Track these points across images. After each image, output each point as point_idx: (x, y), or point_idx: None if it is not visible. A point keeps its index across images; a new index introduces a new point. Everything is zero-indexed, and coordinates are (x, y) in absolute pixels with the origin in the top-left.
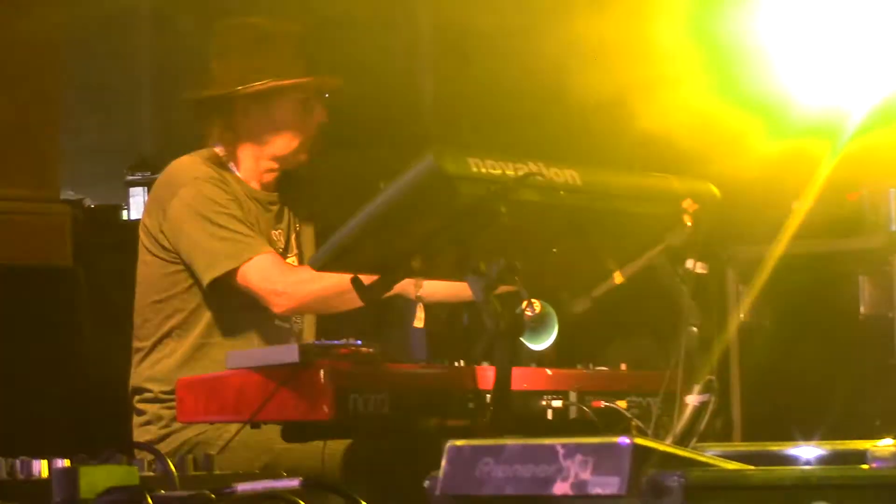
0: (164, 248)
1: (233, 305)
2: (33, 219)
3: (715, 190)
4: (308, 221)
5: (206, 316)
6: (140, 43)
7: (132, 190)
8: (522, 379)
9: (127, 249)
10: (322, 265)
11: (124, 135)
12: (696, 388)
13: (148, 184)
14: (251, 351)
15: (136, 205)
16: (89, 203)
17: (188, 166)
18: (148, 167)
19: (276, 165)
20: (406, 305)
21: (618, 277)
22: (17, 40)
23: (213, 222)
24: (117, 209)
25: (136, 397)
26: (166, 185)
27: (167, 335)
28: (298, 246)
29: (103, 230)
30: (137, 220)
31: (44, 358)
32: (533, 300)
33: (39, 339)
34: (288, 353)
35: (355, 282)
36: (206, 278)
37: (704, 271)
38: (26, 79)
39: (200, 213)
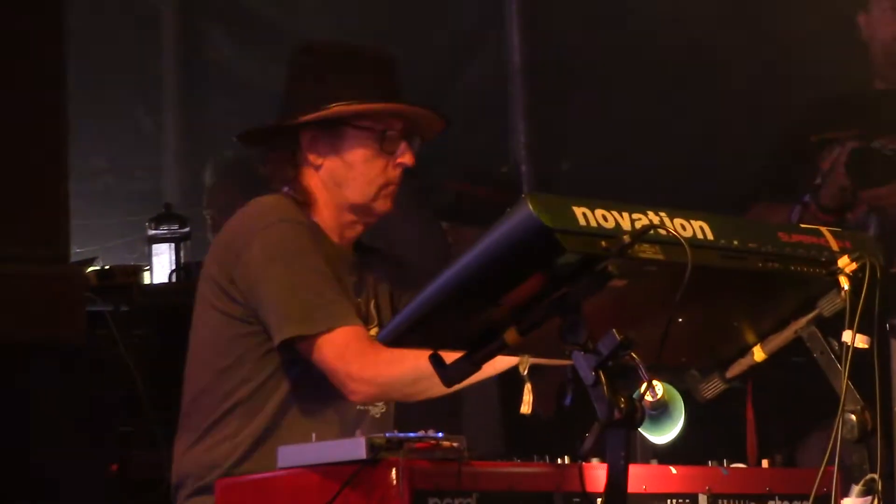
0: (234, 300)
1: (315, 378)
2: (36, 284)
3: (877, 244)
4: (384, 284)
5: (282, 389)
6: (164, 60)
7: (155, 247)
8: (641, 479)
9: (150, 320)
10: (392, 340)
11: (146, 179)
12: (856, 489)
13: (175, 239)
14: (308, 445)
15: (161, 265)
16: (103, 264)
17: (274, 206)
18: (174, 219)
19: (356, 218)
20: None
21: (758, 353)
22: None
23: (298, 275)
24: (138, 270)
25: (185, 490)
26: (245, 226)
27: (230, 411)
28: (378, 316)
29: (121, 296)
30: (160, 285)
31: (57, 452)
32: (654, 382)
33: (50, 425)
34: (353, 448)
35: (434, 360)
36: (277, 338)
37: (866, 346)
38: (27, 108)
39: (284, 262)
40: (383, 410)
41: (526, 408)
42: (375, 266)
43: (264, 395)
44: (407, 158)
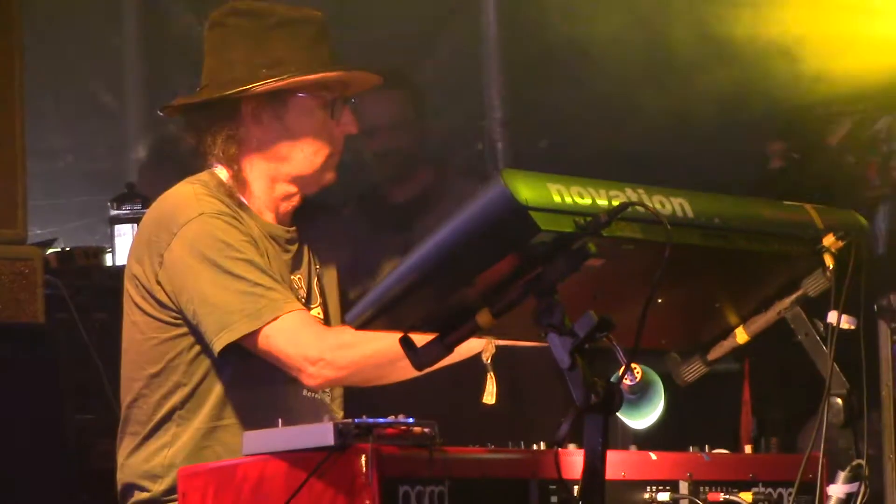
0: (160, 304)
1: (251, 376)
2: None
3: (864, 222)
4: (330, 260)
5: (217, 391)
6: (125, 34)
7: (118, 228)
8: (620, 465)
9: (112, 303)
10: (363, 322)
11: (107, 157)
12: (842, 475)
13: (138, 220)
14: (273, 431)
15: (123, 246)
16: (63, 245)
17: (189, 198)
18: (138, 198)
19: (295, 189)
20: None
21: (741, 335)
22: None
23: (227, 271)
24: (99, 252)
25: (130, 499)
26: (162, 223)
27: (167, 418)
28: (321, 293)
29: (82, 279)
30: (121, 267)
31: (15, 439)
32: (633, 365)
33: (8, 416)
34: (320, 434)
35: (405, 342)
36: (219, 343)
37: (851, 326)
38: None
39: (210, 259)
40: (334, 396)
41: (489, 398)
42: (319, 234)
43: (198, 399)
44: (352, 126)
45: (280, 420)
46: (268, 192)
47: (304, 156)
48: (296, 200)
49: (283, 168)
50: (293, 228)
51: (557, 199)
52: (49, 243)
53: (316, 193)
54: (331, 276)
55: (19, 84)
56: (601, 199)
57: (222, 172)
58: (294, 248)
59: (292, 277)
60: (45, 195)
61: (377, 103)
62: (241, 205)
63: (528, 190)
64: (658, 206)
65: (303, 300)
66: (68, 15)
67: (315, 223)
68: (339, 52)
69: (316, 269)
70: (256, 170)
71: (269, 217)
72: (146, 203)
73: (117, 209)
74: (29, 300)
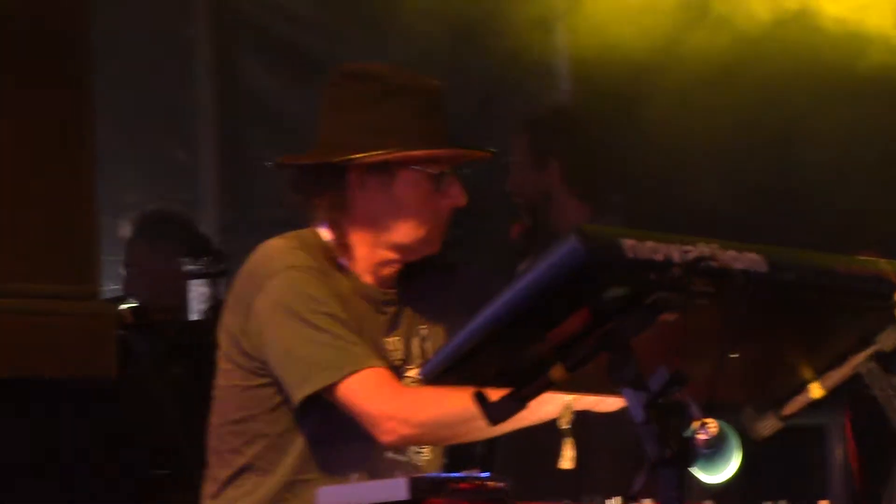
0: (246, 354)
1: (333, 432)
2: (66, 321)
3: None
4: (440, 320)
5: (298, 444)
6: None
7: (192, 283)
8: None
9: (186, 358)
10: (435, 377)
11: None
12: None
13: (211, 275)
14: (348, 486)
15: (197, 301)
16: (135, 301)
17: (280, 251)
18: (211, 255)
19: (396, 256)
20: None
21: (816, 390)
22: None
23: (310, 323)
24: (174, 308)
25: None
26: (252, 276)
27: (247, 468)
28: (424, 354)
29: (156, 334)
30: (197, 322)
31: (91, 496)
32: (707, 420)
33: (84, 470)
34: (394, 489)
35: (479, 397)
36: (299, 395)
37: None
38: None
39: (294, 312)
40: (427, 458)
41: (567, 463)
42: (425, 295)
43: (279, 451)
44: (459, 199)
45: (356, 476)
46: (368, 257)
47: (408, 227)
48: (397, 266)
49: (385, 236)
50: (392, 290)
51: (630, 253)
52: (123, 299)
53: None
54: (439, 337)
55: (91, 141)
56: (675, 253)
57: (325, 233)
58: (392, 309)
59: (387, 339)
60: (119, 251)
61: None
62: (340, 266)
63: (600, 244)
64: (731, 261)
65: (399, 362)
66: (142, 71)
67: (427, 281)
68: (450, 125)
69: (420, 329)
70: (359, 235)
71: (369, 279)
72: (220, 259)
73: (192, 265)
74: (102, 356)
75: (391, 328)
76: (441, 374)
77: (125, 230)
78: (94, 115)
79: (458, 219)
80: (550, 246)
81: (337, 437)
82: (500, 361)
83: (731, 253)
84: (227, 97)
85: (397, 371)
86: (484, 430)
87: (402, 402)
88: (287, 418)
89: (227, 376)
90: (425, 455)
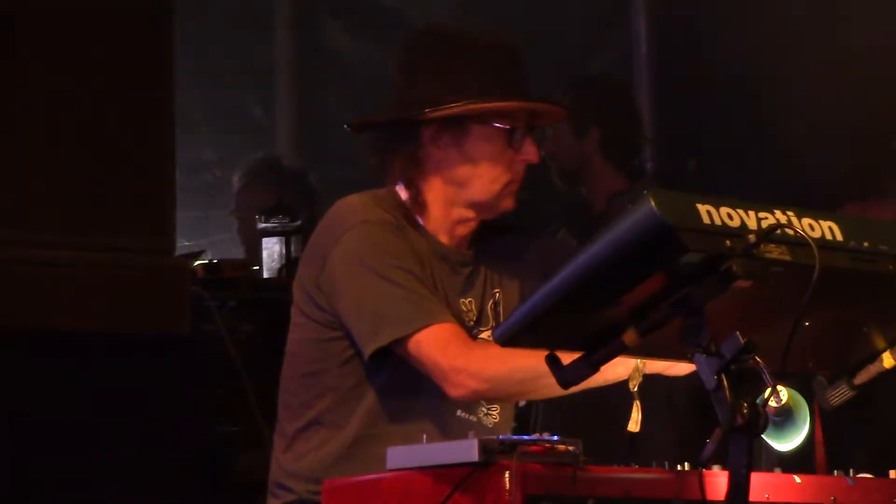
0: (319, 307)
1: (403, 387)
2: (142, 275)
3: None
4: (514, 285)
5: (369, 399)
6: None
7: (265, 241)
8: (764, 488)
9: (258, 316)
10: (508, 339)
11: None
12: None
13: (286, 233)
14: (417, 446)
15: (270, 259)
16: (211, 257)
17: (357, 207)
18: (285, 212)
19: (472, 214)
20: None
21: (888, 360)
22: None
23: (384, 277)
24: (247, 265)
25: (275, 499)
26: (328, 230)
27: (316, 421)
28: (497, 317)
29: (229, 291)
30: (269, 279)
31: (159, 449)
32: (779, 388)
33: (154, 425)
34: (464, 451)
35: (551, 360)
36: (370, 347)
37: None
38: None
39: (368, 265)
40: (496, 420)
41: (634, 426)
42: (500, 258)
43: (349, 406)
44: (532, 155)
45: (425, 436)
46: (444, 215)
47: (482, 183)
48: (472, 225)
49: (460, 193)
50: (468, 252)
51: (706, 219)
52: (197, 255)
53: (507, 215)
54: (512, 299)
55: (170, 97)
56: (750, 220)
57: (401, 192)
58: (467, 270)
59: (462, 300)
60: (194, 207)
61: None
62: (416, 224)
63: (676, 210)
64: (807, 229)
65: (472, 322)
66: (220, 29)
67: (503, 245)
68: (530, 82)
69: (494, 292)
70: (434, 192)
71: (445, 238)
72: (294, 216)
73: (265, 222)
74: (175, 311)
75: (465, 289)
76: (514, 337)
77: (235, 180)
78: (174, 72)
79: (528, 182)
80: (625, 210)
81: (407, 393)
82: (572, 325)
83: (807, 220)
84: (306, 56)
85: (469, 332)
86: (553, 387)
87: (473, 357)
88: (358, 372)
89: (300, 329)
90: (495, 416)
